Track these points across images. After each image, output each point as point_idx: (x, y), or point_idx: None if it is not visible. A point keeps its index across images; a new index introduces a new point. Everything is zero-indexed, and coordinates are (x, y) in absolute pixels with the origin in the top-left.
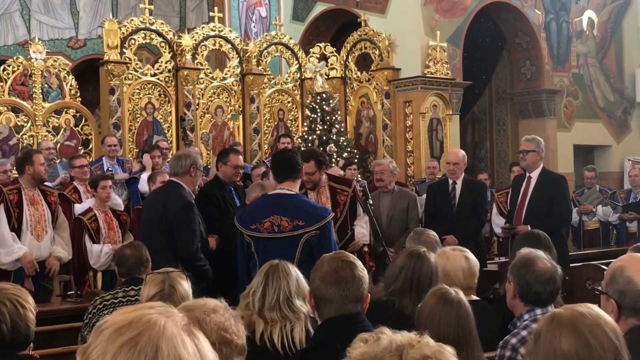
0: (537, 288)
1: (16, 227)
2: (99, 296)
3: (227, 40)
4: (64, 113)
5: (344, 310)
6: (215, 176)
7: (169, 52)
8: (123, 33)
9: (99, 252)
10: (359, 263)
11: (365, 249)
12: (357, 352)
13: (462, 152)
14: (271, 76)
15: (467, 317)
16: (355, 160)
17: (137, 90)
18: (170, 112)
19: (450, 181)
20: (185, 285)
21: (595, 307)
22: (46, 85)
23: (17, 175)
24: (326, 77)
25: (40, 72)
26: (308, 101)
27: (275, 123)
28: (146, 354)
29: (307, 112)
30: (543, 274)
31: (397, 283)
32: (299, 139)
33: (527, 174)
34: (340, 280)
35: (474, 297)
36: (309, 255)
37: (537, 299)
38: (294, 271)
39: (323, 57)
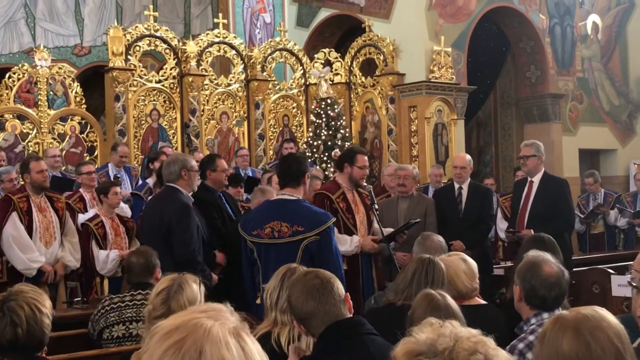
0: (542, 292)
1: (27, 234)
2: (108, 297)
3: (232, 47)
4: (69, 120)
5: (330, 316)
6: (202, 184)
7: (174, 59)
8: (128, 40)
9: (106, 258)
10: (322, 270)
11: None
12: (422, 333)
13: (469, 156)
14: (276, 82)
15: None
16: None
17: (142, 97)
18: (176, 118)
19: (456, 186)
20: (194, 287)
21: (600, 310)
22: (51, 93)
23: (23, 183)
24: (331, 82)
25: (46, 80)
26: (313, 107)
27: (280, 129)
28: (190, 356)
29: (312, 117)
30: (548, 279)
31: (411, 288)
32: (304, 145)
33: (529, 179)
34: (312, 290)
35: (481, 301)
36: (310, 261)
37: (542, 303)
38: None
39: (327, 63)
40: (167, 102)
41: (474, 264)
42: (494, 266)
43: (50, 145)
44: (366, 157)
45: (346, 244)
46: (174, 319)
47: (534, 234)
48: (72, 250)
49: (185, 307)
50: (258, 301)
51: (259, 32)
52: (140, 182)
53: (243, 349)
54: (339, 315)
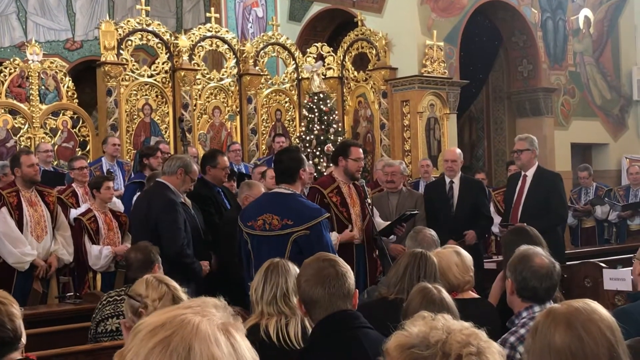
0: (533, 283)
1: (17, 229)
2: (106, 294)
3: (224, 41)
4: (61, 115)
5: (334, 308)
6: (200, 179)
7: (166, 53)
8: (120, 34)
9: (98, 254)
10: (341, 260)
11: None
12: (415, 326)
13: (459, 150)
14: (268, 76)
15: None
16: None
17: (134, 92)
18: (168, 113)
19: (447, 180)
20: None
21: (592, 303)
22: (43, 87)
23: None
24: (323, 77)
25: (37, 74)
26: (305, 101)
27: (273, 123)
28: (178, 354)
29: (305, 112)
30: (539, 270)
31: (404, 282)
32: (297, 139)
33: (523, 173)
34: (324, 279)
35: (475, 295)
36: (299, 255)
37: (533, 294)
38: (294, 270)
39: (320, 57)
40: (159, 96)
41: (468, 257)
42: (487, 260)
43: (42, 140)
44: (360, 149)
45: None
46: (158, 315)
47: (515, 226)
48: (65, 244)
49: (176, 287)
50: None
51: (251, 27)
52: (132, 176)
53: (233, 345)
54: (337, 308)
